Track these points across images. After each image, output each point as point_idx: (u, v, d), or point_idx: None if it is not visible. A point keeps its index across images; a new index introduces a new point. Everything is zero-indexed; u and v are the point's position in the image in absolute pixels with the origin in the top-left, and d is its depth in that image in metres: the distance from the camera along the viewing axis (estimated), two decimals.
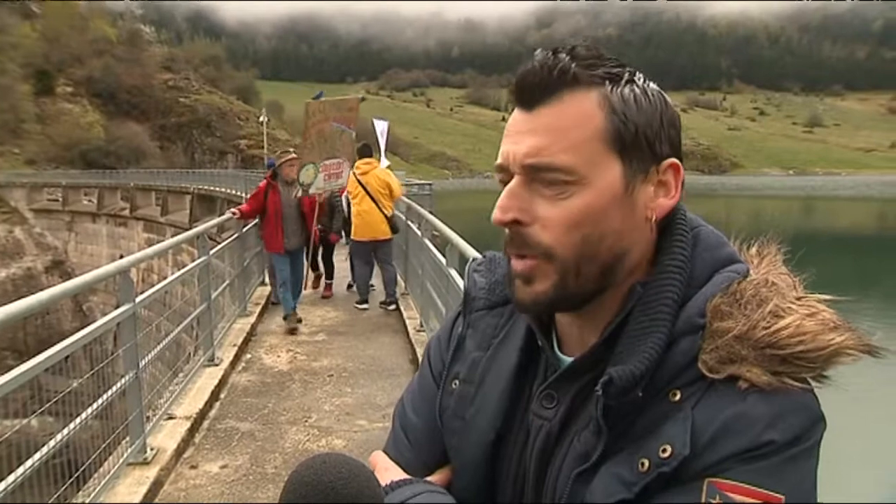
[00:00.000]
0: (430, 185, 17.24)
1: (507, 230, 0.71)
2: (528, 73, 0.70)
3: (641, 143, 0.69)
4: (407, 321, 6.91)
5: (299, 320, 7.02)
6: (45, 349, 2.89)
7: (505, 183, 0.72)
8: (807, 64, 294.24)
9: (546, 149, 0.68)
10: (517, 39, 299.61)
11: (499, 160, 0.72)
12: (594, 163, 0.68)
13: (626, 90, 0.69)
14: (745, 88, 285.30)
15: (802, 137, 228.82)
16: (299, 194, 6.85)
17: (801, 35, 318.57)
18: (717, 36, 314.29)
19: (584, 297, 0.71)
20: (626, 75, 0.70)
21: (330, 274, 8.72)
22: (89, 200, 36.19)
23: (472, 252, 3.94)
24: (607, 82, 0.69)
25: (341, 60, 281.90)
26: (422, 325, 6.57)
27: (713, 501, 0.61)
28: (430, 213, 7.87)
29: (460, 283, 4.56)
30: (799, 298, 0.68)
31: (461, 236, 4.72)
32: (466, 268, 0.90)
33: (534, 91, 0.69)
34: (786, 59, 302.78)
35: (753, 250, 0.75)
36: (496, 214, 0.70)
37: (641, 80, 0.71)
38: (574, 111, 0.68)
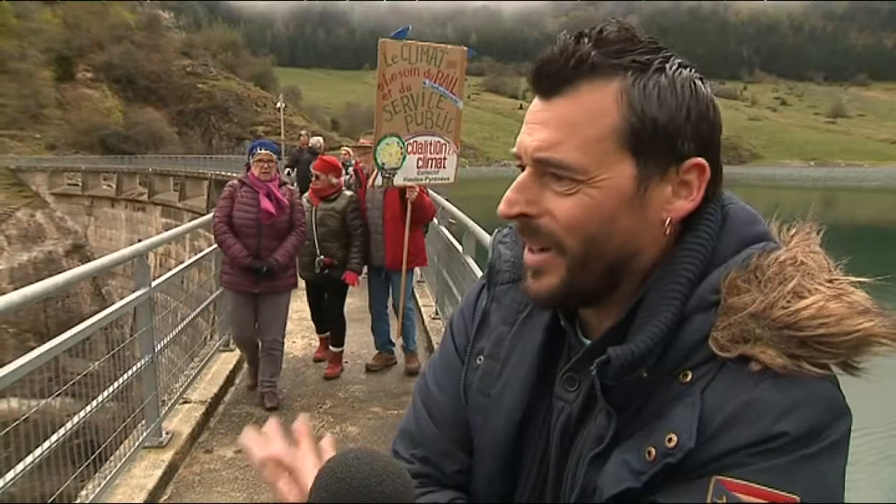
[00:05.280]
0: None
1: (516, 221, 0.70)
2: (546, 60, 0.66)
3: (660, 142, 0.64)
4: (422, 309, 6.90)
5: (388, 363, 5.44)
6: (65, 331, 2.93)
7: (523, 168, 0.70)
8: (831, 52, 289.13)
9: (557, 145, 0.65)
10: (536, 26, 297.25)
11: (514, 148, 0.70)
12: (604, 162, 0.64)
13: (651, 82, 0.64)
14: (767, 78, 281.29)
15: (825, 128, 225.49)
16: (378, 183, 4.61)
17: (825, 23, 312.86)
18: (738, 24, 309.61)
19: (590, 294, 0.69)
20: (657, 62, 0.65)
21: (339, 335, 5.38)
22: (108, 185, 36.54)
23: (489, 240, 3.91)
24: (630, 73, 0.64)
25: (358, 47, 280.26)
26: (437, 313, 6.58)
27: (719, 502, 0.57)
28: (447, 200, 7.81)
29: (477, 270, 4.54)
30: (831, 281, 0.62)
31: (478, 223, 4.70)
32: (492, 239, 0.88)
33: (550, 79, 0.66)
34: (809, 47, 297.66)
35: (793, 232, 0.69)
36: (502, 208, 0.68)
37: (673, 67, 0.65)
38: (589, 105, 0.64)
